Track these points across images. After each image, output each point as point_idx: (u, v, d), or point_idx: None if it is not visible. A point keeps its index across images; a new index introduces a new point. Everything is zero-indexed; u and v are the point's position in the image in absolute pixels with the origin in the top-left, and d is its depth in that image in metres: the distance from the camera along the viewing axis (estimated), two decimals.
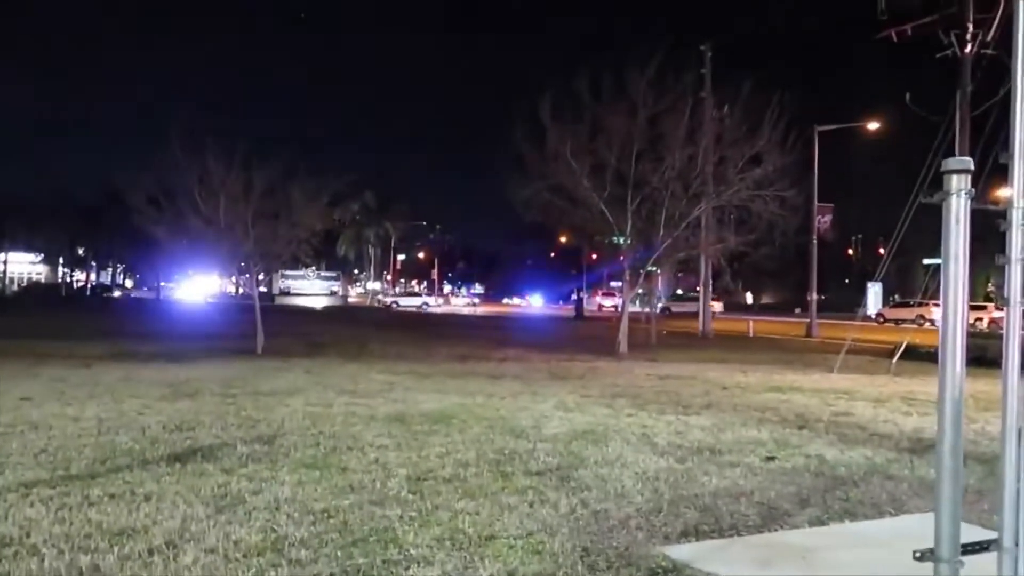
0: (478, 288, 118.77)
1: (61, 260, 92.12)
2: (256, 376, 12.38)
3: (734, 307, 79.45)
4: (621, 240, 20.47)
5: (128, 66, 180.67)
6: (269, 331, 18.53)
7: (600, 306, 61.60)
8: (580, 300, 50.68)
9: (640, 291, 21.46)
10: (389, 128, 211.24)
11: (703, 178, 19.54)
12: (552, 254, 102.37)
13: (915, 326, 25.87)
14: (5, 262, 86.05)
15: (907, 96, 17.24)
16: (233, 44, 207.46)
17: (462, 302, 76.90)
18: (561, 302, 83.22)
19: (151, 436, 7.22)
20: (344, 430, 7.66)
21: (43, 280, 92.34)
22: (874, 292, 50.29)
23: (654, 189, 19.42)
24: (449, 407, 9.32)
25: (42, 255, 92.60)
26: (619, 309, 75.39)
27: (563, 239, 49.80)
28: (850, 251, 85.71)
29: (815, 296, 32.21)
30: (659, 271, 22.69)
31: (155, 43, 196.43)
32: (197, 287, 75.32)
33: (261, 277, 26.96)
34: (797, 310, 64.08)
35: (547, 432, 7.75)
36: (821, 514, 5.06)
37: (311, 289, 64.84)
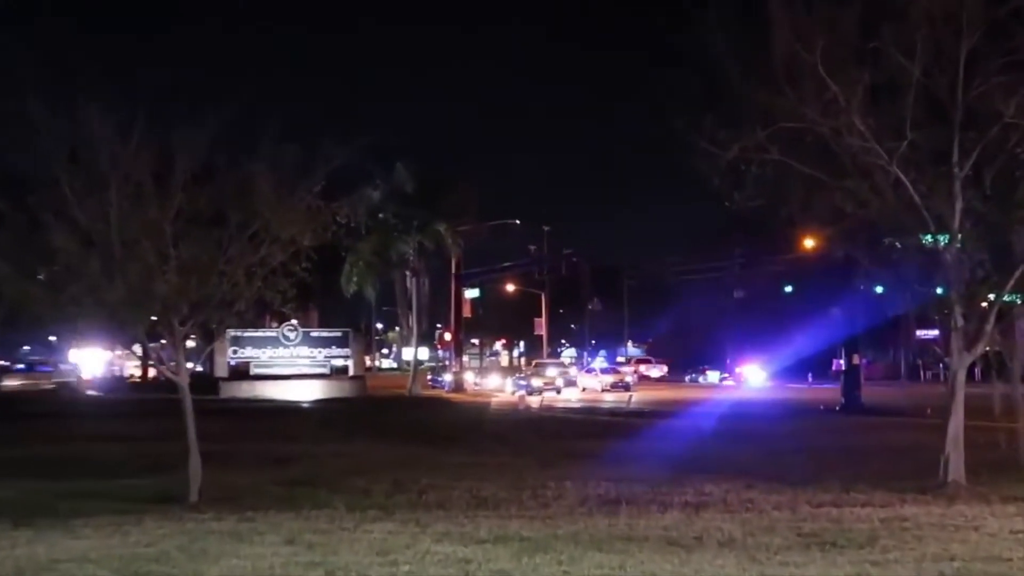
0: (632, 350, 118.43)
1: None
2: (190, 553, 12.56)
3: None
4: (940, 240, 19.90)
5: None
6: (211, 453, 18.86)
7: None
8: (854, 372, 49.57)
9: (993, 348, 20.71)
10: (429, 60, 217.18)
11: None
12: (787, 285, 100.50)
13: None
14: None
15: None
16: None
17: (599, 382, 76.55)
18: (811, 377, 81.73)
19: None
20: None
21: None
22: None
23: (1009, 128, 18.80)
24: None
25: None
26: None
27: (809, 244, 48.91)
28: None
29: None
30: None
31: None
32: (67, 368, 78.09)
33: (192, 344, 27.65)
34: None
35: None
36: None
37: (290, 365, 65.89)
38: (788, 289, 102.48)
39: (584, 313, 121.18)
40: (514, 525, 14.56)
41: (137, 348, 21.57)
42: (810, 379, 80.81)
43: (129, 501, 17.37)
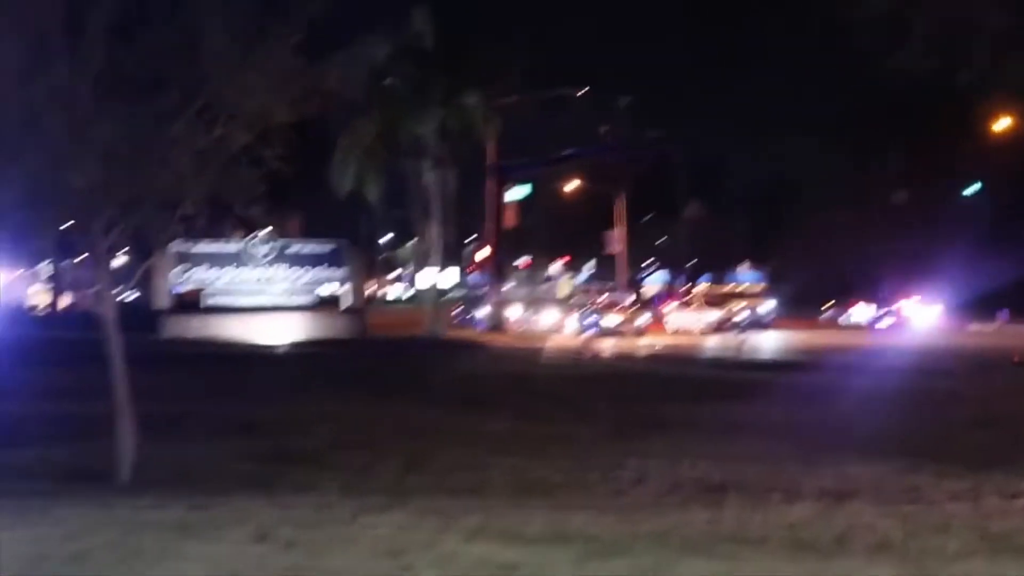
0: (746, 275, 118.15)
1: None
2: (119, 552, 12.37)
3: None
4: None
5: None
6: (149, 415, 18.86)
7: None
8: None
9: None
10: None
11: None
12: (969, 184, 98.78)
13: None
14: None
15: None
16: None
17: (697, 321, 76.31)
18: (1005, 315, 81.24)
19: None
20: None
21: None
22: None
23: None
24: None
25: None
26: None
27: (1001, 126, 48.63)
28: None
29: None
30: None
31: None
32: None
33: (121, 262, 27.66)
34: None
35: None
36: None
37: (259, 292, 65.40)
38: (971, 191, 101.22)
39: (679, 224, 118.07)
40: (577, 519, 14.37)
41: (45, 267, 21.32)
42: (1004, 319, 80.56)
43: (36, 479, 17.41)
